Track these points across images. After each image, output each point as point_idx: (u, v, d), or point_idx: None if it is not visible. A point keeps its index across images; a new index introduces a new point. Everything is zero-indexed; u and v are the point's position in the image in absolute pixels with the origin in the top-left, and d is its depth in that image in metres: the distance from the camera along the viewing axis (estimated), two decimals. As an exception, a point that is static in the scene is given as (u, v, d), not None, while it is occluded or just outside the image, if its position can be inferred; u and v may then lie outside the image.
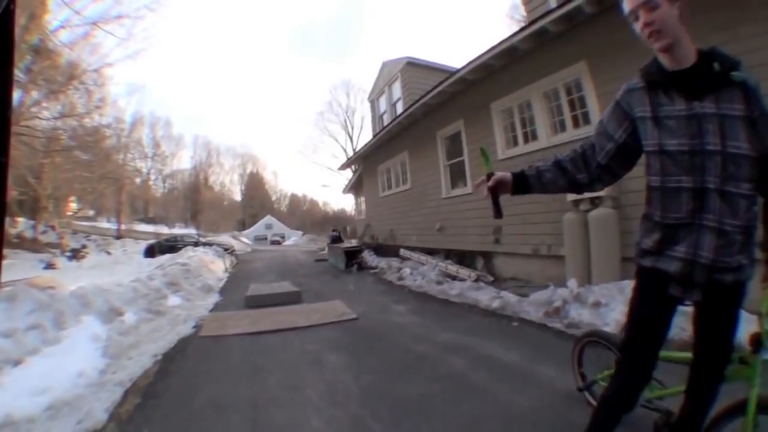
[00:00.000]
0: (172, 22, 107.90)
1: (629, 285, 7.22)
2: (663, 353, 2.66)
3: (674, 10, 2.30)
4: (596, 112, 9.70)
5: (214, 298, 12.54)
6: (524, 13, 14.09)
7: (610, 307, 7.25)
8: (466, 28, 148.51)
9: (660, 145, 2.34)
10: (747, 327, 2.66)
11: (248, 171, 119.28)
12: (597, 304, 7.47)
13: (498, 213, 2.73)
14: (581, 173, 2.63)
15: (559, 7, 9.96)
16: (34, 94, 26.51)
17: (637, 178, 8.14)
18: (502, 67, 12.12)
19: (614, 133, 2.54)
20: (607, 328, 6.62)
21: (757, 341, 2.46)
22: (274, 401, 4.91)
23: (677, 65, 2.34)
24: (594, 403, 3.84)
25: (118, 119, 52.36)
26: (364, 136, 65.96)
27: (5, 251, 3.26)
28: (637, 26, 2.37)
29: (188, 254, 21.08)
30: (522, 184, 2.64)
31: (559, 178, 2.62)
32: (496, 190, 2.67)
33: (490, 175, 2.68)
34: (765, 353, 2.48)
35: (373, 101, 25.65)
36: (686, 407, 2.71)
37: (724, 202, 2.22)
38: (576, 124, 10.49)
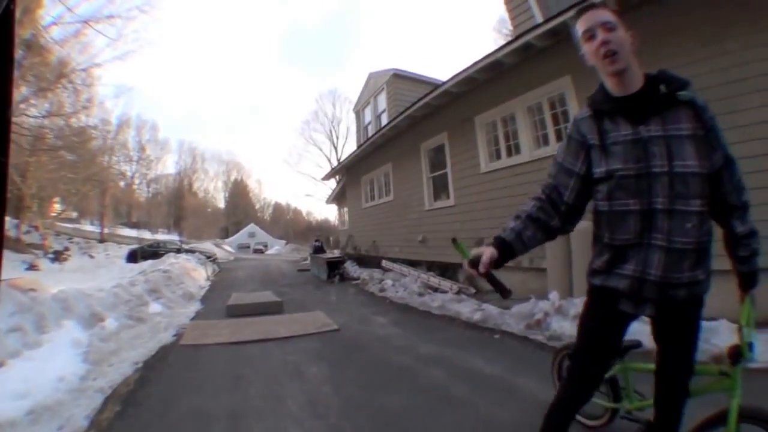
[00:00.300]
0: (162, 25, 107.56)
1: None
2: (633, 364, 2.96)
3: (628, 37, 2.39)
4: (580, 126, 9.69)
5: (195, 306, 12.54)
6: (511, 28, 14.13)
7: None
8: (454, 41, 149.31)
9: (607, 171, 2.40)
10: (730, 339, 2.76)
11: (233, 178, 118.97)
12: (578, 317, 7.44)
13: (505, 290, 2.50)
14: (553, 219, 2.61)
15: (545, 22, 10.10)
16: (23, 90, 26.31)
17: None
18: (487, 81, 12.19)
19: (573, 166, 2.56)
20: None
21: (735, 353, 2.53)
22: (255, 412, 4.89)
23: (624, 91, 2.41)
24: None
25: (105, 121, 52.33)
26: (349, 146, 66.34)
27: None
28: (591, 46, 2.40)
29: (170, 261, 21.07)
30: (507, 252, 2.52)
31: (537, 231, 2.58)
32: (489, 272, 2.46)
33: (472, 262, 2.47)
34: (747, 363, 2.56)
35: (359, 112, 25.75)
36: (656, 419, 2.78)
37: (673, 220, 2.28)
38: (559, 138, 10.57)
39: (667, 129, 2.29)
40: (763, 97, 7.24)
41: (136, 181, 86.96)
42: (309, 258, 27.31)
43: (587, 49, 2.44)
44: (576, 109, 9.75)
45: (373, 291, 14.80)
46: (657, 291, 2.36)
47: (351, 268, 20.44)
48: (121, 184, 72.51)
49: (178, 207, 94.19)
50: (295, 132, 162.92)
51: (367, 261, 21.07)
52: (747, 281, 2.52)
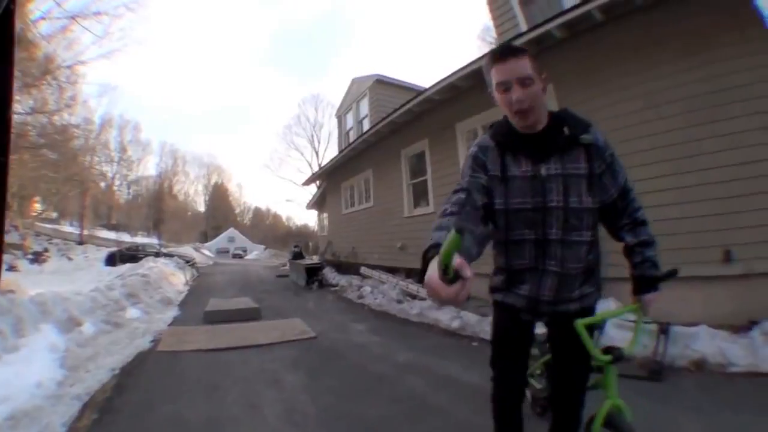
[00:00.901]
0: (149, 24, 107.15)
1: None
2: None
3: (541, 85, 2.47)
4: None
5: (173, 312, 12.48)
6: (495, 36, 14.22)
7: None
8: (438, 48, 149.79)
9: (506, 203, 2.53)
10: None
11: (213, 182, 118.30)
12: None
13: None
14: (481, 227, 2.51)
15: (529, 31, 10.24)
16: (10, 86, 26.08)
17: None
18: (469, 89, 12.22)
19: (483, 181, 2.58)
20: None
21: (610, 351, 2.63)
22: (232, 420, 4.88)
23: (529, 129, 2.52)
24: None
25: (88, 120, 51.55)
26: (330, 151, 66.00)
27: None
28: (505, 98, 2.45)
29: (149, 265, 20.96)
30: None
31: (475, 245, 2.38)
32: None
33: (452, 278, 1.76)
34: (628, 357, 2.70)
35: (341, 117, 25.71)
36: (555, 420, 3.02)
37: (566, 249, 2.51)
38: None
39: (565, 168, 2.47)
40: (745, 107, 7.36)
41: (117, 183, 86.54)
42: (288, 264, 27.32)
43: (500, 99, 2.49)
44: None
45: (352, 298, 14.84)
46: (551, 307, 2.64)
47: (330, 274, 20.45)
48: (102, 185, 71.81)
49: (158, 210, 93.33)
50: (276, 136, 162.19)
51: (346, 267, 21.05)
52: (637, 285, 2.67)
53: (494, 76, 2.46)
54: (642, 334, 2.86)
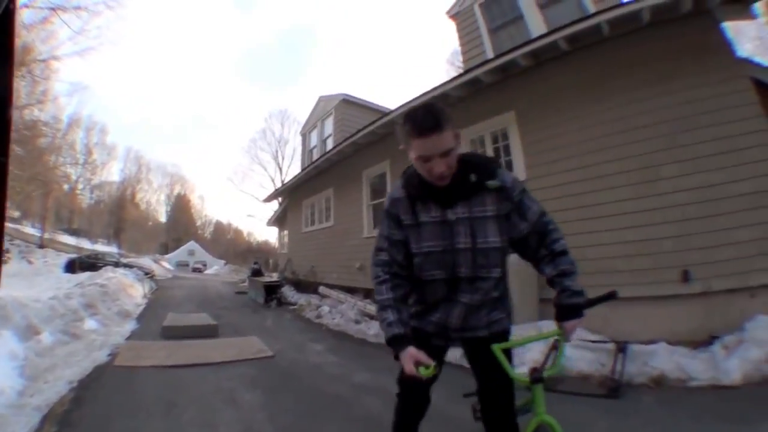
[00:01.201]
0: (125, 24, 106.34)
1: (547, 325, 7.71)
2: None
3: (458, 148, 2.61)
4: (521, 159, 10.20)
5: (131, 325, 12.39)
6: (462, 62, 14.40)
7: (526, 347, 7.36)
8: (409, 71, 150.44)
9: (419, 247, 2.77)
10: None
11: (176, 192, 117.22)
12: (515, 345, 7.59)
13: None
14: (407, 287, 2.90)
15: (495, 58, 10.44)
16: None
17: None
18: (433, 113, 12.21)
19: (400, 237, 2.84)
20: (523, 367, 6.84)
21: (534, 372, 2.78)
22: None
23: (444, 183, 2.65)
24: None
25: (56, 118, 51.01)
26: (294, 168, 65.55)
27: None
28: (424, 167, 2.58)
29: (108, 275, 20.60)
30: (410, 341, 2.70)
31: (406, 306, 2.88)
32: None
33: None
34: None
35: (305, 135, 25.66)
36: None
37: (474, 285, 2.76)
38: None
39: (472, 212, 2.69)
40: (707, 134, 7.72)
41: (80, 186, 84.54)
42: (247, 281, 27.20)
43: (418, 165, 2.62)
44: (518, 143, 10.31)
45: (310, 317, 14.87)
46: (459, 334, 2.93)
47: (289, 292, 20.41)
48: (65, 187, 70.66)
49: (119, 218, 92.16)
50: (241, 150, 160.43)
51: (305, 286, 20.98)
52: (559, 313, 2.75)
53: (415, 149, 2.54)
54: (562, 357, 2.92)
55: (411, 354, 2.56)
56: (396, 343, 2.65)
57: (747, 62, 9.11)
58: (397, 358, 2.65)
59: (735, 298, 7.42)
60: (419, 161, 2.56)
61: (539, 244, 2.79)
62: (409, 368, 2.53)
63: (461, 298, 2.79)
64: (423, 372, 2.48)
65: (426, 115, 2.49)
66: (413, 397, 3.20)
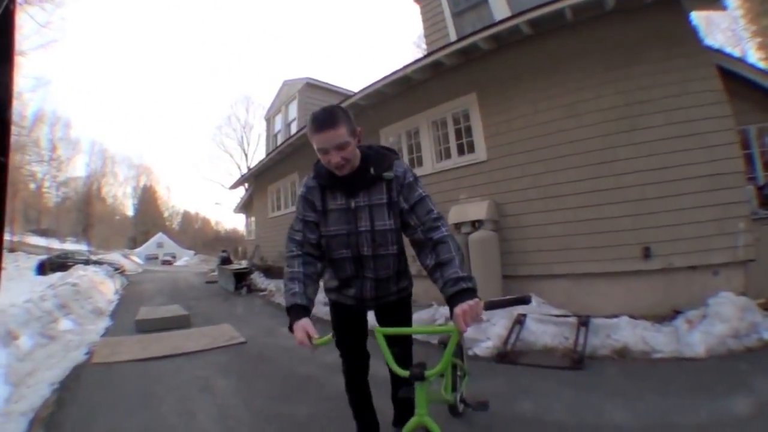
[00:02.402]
0: (81, 15, 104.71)
1: None
2: None
3: (356, 140, 3.01)
4: (482, 140, 10.44)
5: (105, 323, 12.48)
6: (425, 45, 14.49)
7: (491, 322, 7.65)
8: (376, 54, 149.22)
9: (327, 231, 3.20)
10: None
11: (142, 184, 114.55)
12: (479, 320, 7.78)
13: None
14: (317, 265, 3.23)
15: (458, 41, 10.60)
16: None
17: (514, 203, 8.73)
18: (395, 95, 12.54)
19: (314, 218, 3.23)
20: (489, 342, 7.25)
21: (415, 368, 2.66)
22: (169, 428, 5.04)
23: (344, 173, 3.05)
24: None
25: (21, 115, 49.80)
26: (260, 154, 64.82)
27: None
28: (325, 158, 2.98)
29: (78, 273, 20.62)
30: (309, 313, 2.98)
31: (314, 282, 3.15)
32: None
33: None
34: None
35: (269, 119, 25.69)
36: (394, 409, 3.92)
37: (377, 262, 3.21)
38: (461, 152, 11.15)
39: (371, 200, 3.13)
40: (666, 118, 7.99)
41: (46, 184, 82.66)
42: (217, 269, 27.22)
43: (321, 158, 3.04)
44: (479, 124, 10.55)
45: (280, 302, 14.82)
46: (374, 302, 3.41)
47: (258, 279, 20.51)
48: (32, 186, 69.74)
49: (87, 214, 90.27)
50: (207, 137, 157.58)
51: (274, 272, 20.86)
52: (450, 304, 2.69)
53: (315, 142, 2.95)
54: (449, 356, 2.68)
55: (302, 325, 2.81)
56: (293, 313, 2.90)
57: (713, 51, 9.54)
58: (291, 329, 2.88)
59: (697, 274, 7.80)
60: (320, 153, 2.97)
61: (418, 223, 3.03)
62: (299, 337, 2.79)
63: (367, 273, 3.25)
64: (317, 342, 2.73)
65: (323, 114, 2.95)
66: (351, 356, 3.64)
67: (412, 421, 2.66)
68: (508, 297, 3.08)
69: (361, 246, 3.16)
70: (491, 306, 2.76)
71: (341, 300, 3.49)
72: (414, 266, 3.42)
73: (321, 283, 3.42)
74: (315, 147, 2.98)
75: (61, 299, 12.77)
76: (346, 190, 3.16)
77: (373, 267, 3.22)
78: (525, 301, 2.80)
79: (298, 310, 2.90)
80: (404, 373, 2.67)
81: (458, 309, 2.54)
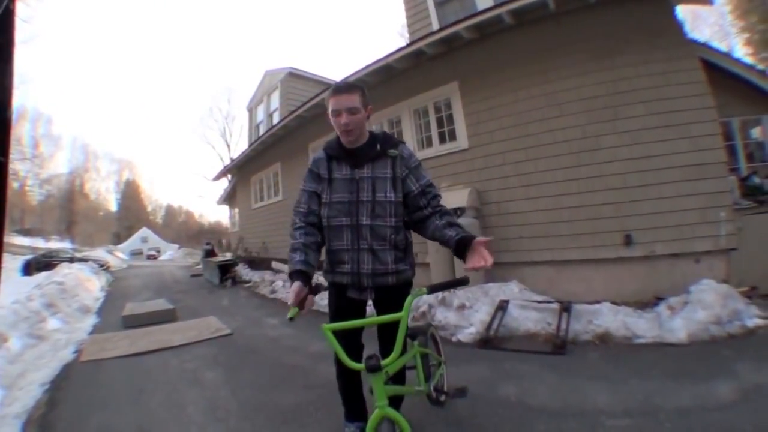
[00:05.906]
0: (57, 8, 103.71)
1: (493, 288, 8.22)
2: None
3: (365, 115, 3.44)
4: (463, 128, 10.54)
5: (92, 320, 12.47)
6: (408, 34, 14.51)
7: (474, 309, 7.79)
8: (359, 43, 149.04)
9: (330, 197, 3.48)
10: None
11: (125, 178, 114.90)
12: (462, 307, 7.97)
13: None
14: (318, 236, 3.55)
15: (439, 31, 10.69)
16: None
17: (496, 191, 8.82)
18: (377, 84, 12.49)
19: (317, 190, 3.56)
20: (472, 328, 7.35)
21: (368, 360, 2.74)
22: (159, 422, 5.10)
23: (352, 145, 3.49)
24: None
25: (3, 114, 49.52)
26: (242, 145, 64.55)
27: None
28: (336, 121, 3.38)
29: (64, 271, 20.58)
30: (308, 280, 3.27)
31: (316, 252, 3.46)
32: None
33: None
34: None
35: (251, 110, 25.62)
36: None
37: (374, 232, 3.40)
38: (442, 140, 11.27)
39: (375, 172, 3.44)
40: (648, 108, 8.12)
41: (29, 182, 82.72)
42: (201, 262, 27.23)
43: (333, 121, 3.41)
44: (461, 112, 10.63)
45: (265, 293, 15.18)
46: (371, 280, 3.47)
47: (243, 270, 20.55)
48: (15, 185, 69.20)
49: (70, 211, 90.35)
50: (189, 129, 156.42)
51: (258, 263, 21.18)
52: (461, 244, 3.12)
53: (330, 105, 3.37)
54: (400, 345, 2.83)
55: (294, 288, 3.10)
56: (293, 278, 3.21)
57: (698, 44, 9.73)
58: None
59: (679, 262, 7.95)
60: (332, 116, 3.37)
61: (427, 204, 3.43)
62: (291, 299, 3.07)
63: (364, 245, 3.41)
64: (289, 314, 2.98)
65: (342, 83, 3.47)
66: (346, 345, 3.38)
67: (375, 414, 2.72)
68: (448, 280, 3.47)
69: (361, 215, 3.39)
70: (433, 290, 2.95)
71: (338, 279, 3.59)
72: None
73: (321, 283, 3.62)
74: (329, 110, 3.38)
75: (48, 298, 12.76)
76: (352, 162, 3.46)
77: (369, 237, 3.40)
78: (464, 282, 3.06)
79: (295, 274, 3.22)
80: (360, 366, 2.83)
81: (475, 241, 3.01)
